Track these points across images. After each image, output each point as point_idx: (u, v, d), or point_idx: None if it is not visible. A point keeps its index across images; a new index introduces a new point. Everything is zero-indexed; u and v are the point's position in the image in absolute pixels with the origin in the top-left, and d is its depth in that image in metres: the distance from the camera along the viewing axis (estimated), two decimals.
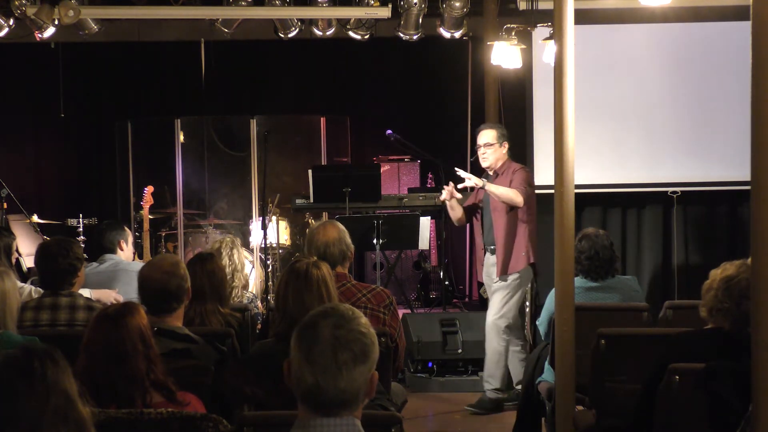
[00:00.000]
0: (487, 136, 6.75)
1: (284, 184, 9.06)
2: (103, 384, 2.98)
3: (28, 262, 7.18)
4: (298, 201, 8.39)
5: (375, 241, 6.30)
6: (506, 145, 6.78)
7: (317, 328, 2.20)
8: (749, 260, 3.83)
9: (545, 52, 7.44)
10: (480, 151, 6.76)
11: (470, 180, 6.56)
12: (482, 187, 6.58)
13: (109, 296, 5.56)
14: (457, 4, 7.75)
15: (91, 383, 2.91)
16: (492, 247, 6.75)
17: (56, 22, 7.66)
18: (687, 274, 8.37)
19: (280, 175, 9.03)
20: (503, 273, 6.68)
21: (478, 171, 6.95)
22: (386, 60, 9.37)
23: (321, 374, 2.16)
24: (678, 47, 8.20)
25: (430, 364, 7.43)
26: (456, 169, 6.65)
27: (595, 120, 8.01)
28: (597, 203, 8.40)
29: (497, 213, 6.66)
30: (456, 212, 6.75)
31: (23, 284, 5.41)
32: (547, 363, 5.34)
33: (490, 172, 6.81)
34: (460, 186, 6.69)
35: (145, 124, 9.51)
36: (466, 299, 9.14)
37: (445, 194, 6.64)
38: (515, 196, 6.59)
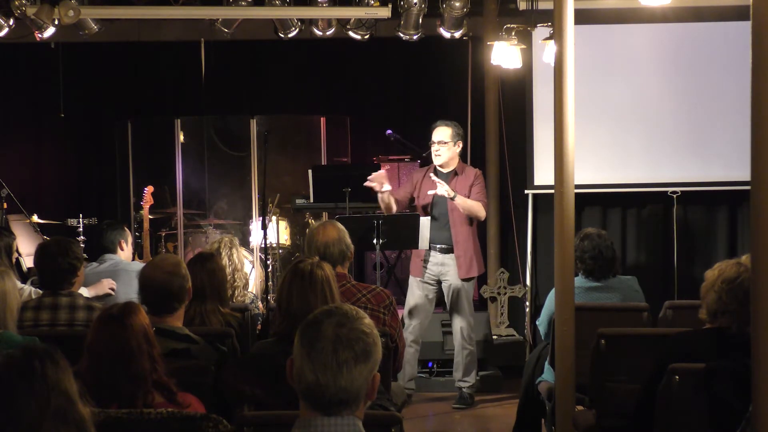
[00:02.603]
0: (442, 133, 6.86)
1: (284, 184, 9.05)
2: (107, 384, 2.98)
3: (28, 262, 7.18)
4: (298, 201, 8.39)
5: (375, 241, 6.29)
6: (460, 145, 6.92)
7: (320, 326, 2.21)
8: (743, 258, 3.85)
9: (545, 52, 7.44)
10: (434, 148, 6.86)
11: (442, 188, 6.66)
12: (452, 198, 6.69)
13: (104, 287, 5.57)
14: (457, 4, 7.75)
15: (94, 383, 2.91)
16: (443, 246, 6.88)
17: (56, 22, 7.65)
18: (687, 274, 8.36)
19: (280, 175, 9.03)
20: (470, 275, 6.89)
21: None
22: (386, 60, 9.37)
23: (321, 372, 2.17)
24: (678, 47, 8.20)
25: (430, 364, 7.43)
26: (434, 178, 6.72)
27: (595, 120, 8.01)
28: (597, 203, 8.40)
29: (458, 215, 6.79)
30: (387, 202, 6.78)
31: (23, 285, 5.42)
32: (547, 363, 5.35)
33: (445, 170, 6.91)
34: (430, 192, 6.77)
35: (145, 124, 9.50)
36: None
37: (375, 184, 6.67)
38: (479, 211, 6.82)
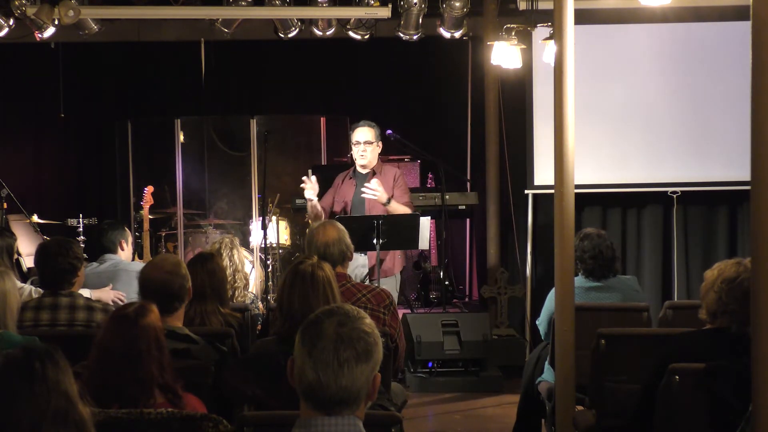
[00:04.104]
0: (367, 133, 6.74)
1: (284, 184, 9.05)
2: (112, 384, 2.97)
3: (28, 262, 7.18)
4: (298, 201, 8.38)
5: (375, 241, 6.29)
6: (381, 145, 6.82)
7: (321, 325, 2.21)
8: (746, 261, 3.85)
9: (545, 52, 7.44)
10: (359, 149, 6.72)
11: (377, 194, 6.51)
12: (385, 204, 6.53)
13: (109, 295, 5.55)
14: (457, 4, 7.75)
15: (99, 382, 2.91)
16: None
17: (56, 22, 7.65)
18: (687, 274, 8.37)
19: (280, 175, 9.03)
20: (383, 276, 6.66)
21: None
22: (386, 60, 9.37)
23: (322, 370, 2.17)
24: (678, 47, 8.20)
25: (430, 364, 7.43)
26: (366, 185, 6.55)
27: (595, 120, 8.01)
28: (597, 203, 8.40)
29: None
30: (318, 210, 6.67)
31: (23, 284, 5.41)
32: (547, 363, 5.35)
33: (364, 171, 6.78)
34: (363, 195, 6.61)
35: (145, 124, 9.50)
36: (466, 299, 9.13)
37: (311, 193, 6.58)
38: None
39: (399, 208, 6.60)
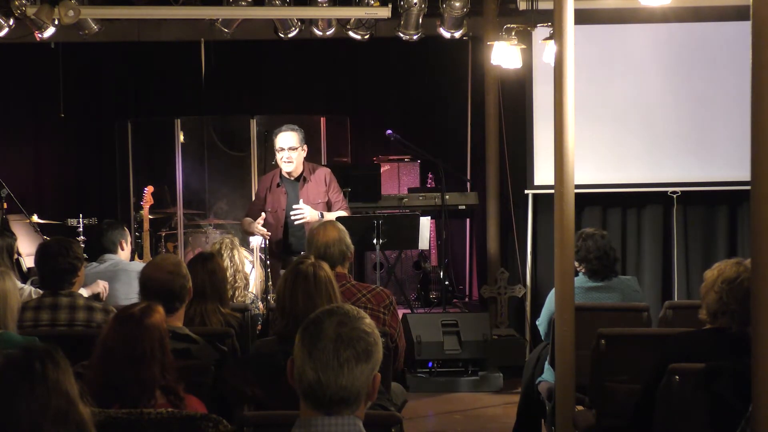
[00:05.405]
0: (291, 139, 6.45)
1: None
2: (114, 384, 2.96)
3: (28, 262, 7.18)
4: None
5: (375, 241, 6.29)
6: (306, 148, 6.57)
7: (321, 325, 2.21)
8: (746, 261, 3.85)
9: (545, 52, 7.44)
10: (284, 155, 6.46)
11: (306, 217, 6.36)
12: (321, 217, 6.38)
13: (98, 287, 5.56)
14: (457, 4, 7.75)
15: (101, 382, 2.91)
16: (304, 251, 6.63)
17: (56, 22, 7.65)
18: (687, 274, 8.37)
19: None
20: None
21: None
22: (386, 60, 9.37)
23: (322, 370, 2.17)
24: (678, 47, 8.20)
25: (430, 364, 7.43)
26: (293, 212, 6.41)
27: (595, 120, 8.01)
28: (597, 203, 8.40)
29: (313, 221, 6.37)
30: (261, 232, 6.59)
31: (23, 285, 5.41)
32: (547, 363, 5.35)
33: (293, 177, 6.57)
34: (295, 223, 6.47)
35: (145, 124, 9.50)
36: (466, 299, 9.13)
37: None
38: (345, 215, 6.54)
39: (335, 215, 6.41)
